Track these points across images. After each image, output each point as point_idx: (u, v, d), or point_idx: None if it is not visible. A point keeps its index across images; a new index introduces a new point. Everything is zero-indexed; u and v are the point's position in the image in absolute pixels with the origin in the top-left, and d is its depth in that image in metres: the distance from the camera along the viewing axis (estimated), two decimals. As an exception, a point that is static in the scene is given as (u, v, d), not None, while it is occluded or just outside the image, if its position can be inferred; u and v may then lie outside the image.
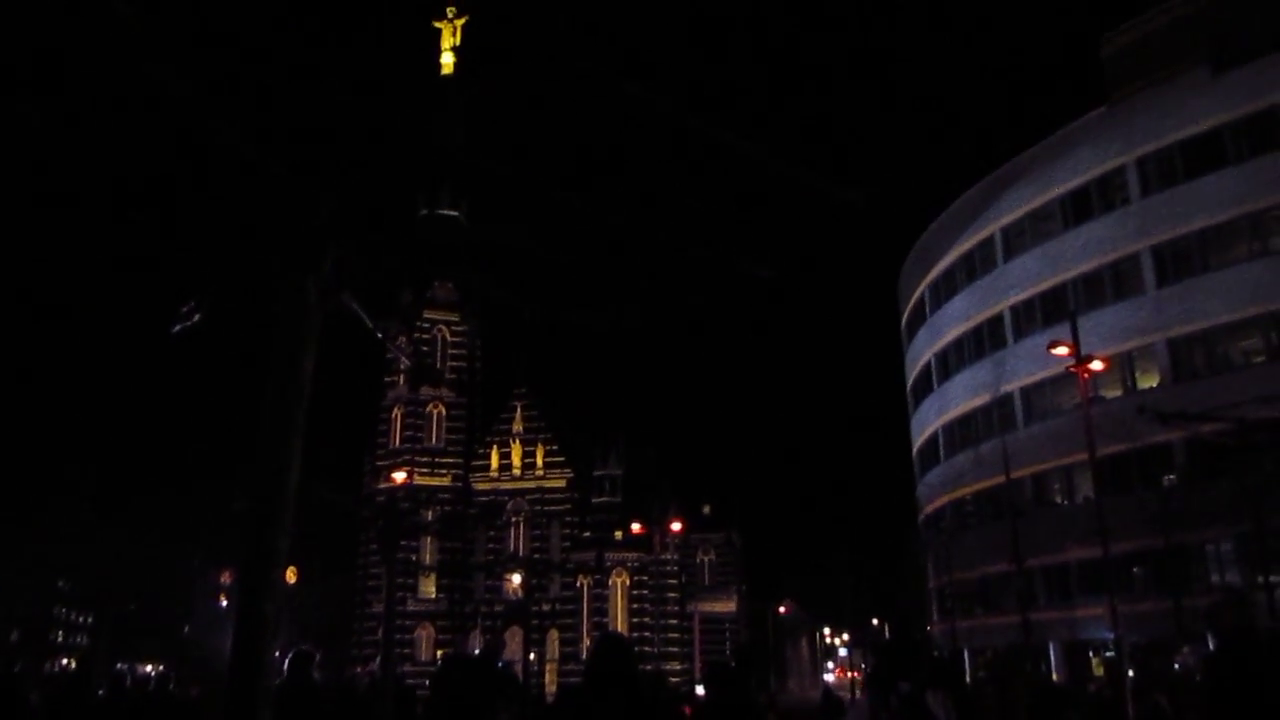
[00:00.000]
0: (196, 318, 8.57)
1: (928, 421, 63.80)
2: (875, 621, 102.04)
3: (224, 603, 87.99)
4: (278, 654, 9.11)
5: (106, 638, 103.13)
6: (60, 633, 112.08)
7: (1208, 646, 6.03)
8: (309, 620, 74.25)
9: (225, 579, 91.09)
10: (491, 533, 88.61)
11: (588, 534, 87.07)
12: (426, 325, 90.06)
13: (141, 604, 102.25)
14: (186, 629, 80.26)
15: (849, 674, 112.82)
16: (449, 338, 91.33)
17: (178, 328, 8.58)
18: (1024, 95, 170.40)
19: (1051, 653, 48.84)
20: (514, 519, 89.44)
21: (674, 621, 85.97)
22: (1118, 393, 45.78)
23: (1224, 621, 5.71)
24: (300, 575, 76.03)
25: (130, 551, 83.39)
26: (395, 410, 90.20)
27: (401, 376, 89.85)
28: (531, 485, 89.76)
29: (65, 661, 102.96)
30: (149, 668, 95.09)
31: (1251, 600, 6.12)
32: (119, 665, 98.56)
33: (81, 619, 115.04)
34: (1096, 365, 29.96)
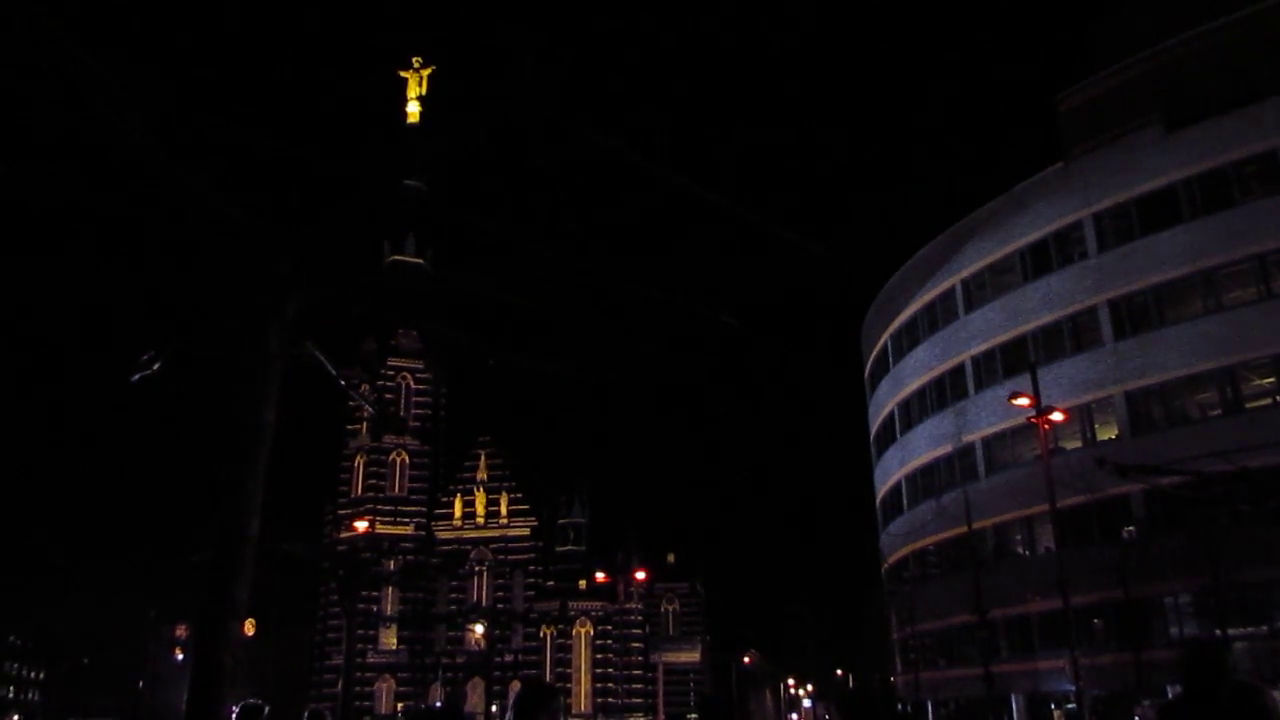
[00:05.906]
0: (156, 366, 8.52)
1: (891, 471, 63.97)
2: (839, 672, 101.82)
3: (180, 656, 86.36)
4: (234, 709, 8.97)
5: (58, 694, 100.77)
6: (10, 688, 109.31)
7: (1168, 699, 6.04)
8: (267, 673, 72.96)
9: (181, 633, 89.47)
10: (454, 583, 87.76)
11: (551, 583, 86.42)
12: (390, 373, 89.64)
13: (95, 659, 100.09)
14: (141, 684, 78.65)
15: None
16: (413, 385, 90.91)
17: (137, 375, 8.53)
18: (984, 150, 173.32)
19: (1014, 705, 48.77)
20: (477, 568, 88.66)
21: (638, 672, 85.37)
22: (1077, 444, 46.12)
23: (1192, 670, 5.70)
24: (258, 627, 74.86)
25: (84, 604, 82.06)
26: (357, 459, 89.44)
27: (364, 425, 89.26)
28: (495, 534, 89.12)
29: (15, 719, 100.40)
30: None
31: (1223, 651, 6.11)
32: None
33: (32, 674, 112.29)
34: (1056, 417, 30.26)
